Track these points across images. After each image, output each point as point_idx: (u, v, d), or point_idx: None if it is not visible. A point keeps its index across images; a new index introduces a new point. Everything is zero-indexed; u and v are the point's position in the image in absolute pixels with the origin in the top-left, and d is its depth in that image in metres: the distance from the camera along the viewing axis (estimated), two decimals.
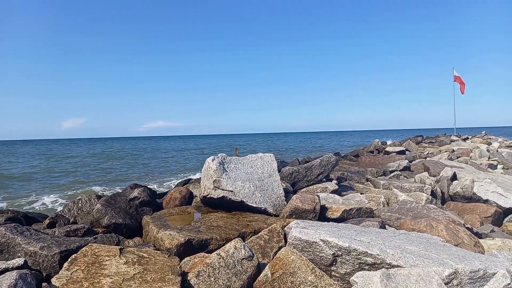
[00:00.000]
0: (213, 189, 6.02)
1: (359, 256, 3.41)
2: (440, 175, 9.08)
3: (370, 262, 3.37)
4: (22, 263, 3.27)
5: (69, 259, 3.26)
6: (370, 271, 3.21)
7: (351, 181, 9.48)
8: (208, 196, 6.05)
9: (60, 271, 3.09)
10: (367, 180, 9.63)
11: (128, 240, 5.20)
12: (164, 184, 18.62)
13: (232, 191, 5.83)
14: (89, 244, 3.57)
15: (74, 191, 16.69)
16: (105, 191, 15.70)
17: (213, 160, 6.30)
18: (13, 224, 3.99)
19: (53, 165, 30.98)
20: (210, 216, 5.70)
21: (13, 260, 3.25)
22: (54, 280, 2.94)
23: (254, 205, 5.81)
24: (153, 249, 4.23)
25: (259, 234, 4.47)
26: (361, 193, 7.56)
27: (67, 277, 3.00)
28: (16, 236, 3.77)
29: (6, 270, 3.19)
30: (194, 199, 6.94)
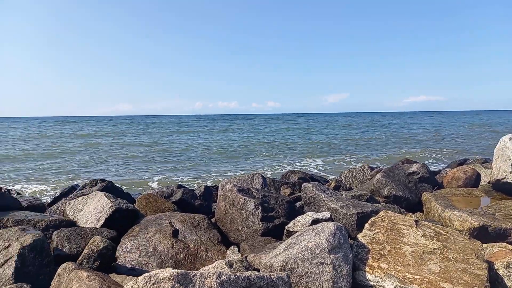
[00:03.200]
0: (510, 172, 5.17)
1: None
2: None
3: None
4: (329, 216, 3.83)
5: (369, 221, 3.56)
6: None
7: None
8: (504, 181, 5.25)
9: (363, 230, 3.43)
10: None
11: (410, 214, 5.21)
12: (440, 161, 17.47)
13: None
14: (384, 210, 3.78)
15: (338, 159, 18.18)
16: (376, 162, 16.29)
17: (510, 139, 5.38)
18: (316, 183, 4.72)
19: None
20: (506, 203, 4.94)
21: (322, 213, 3.86)
22: (359, 237, 3.29)
23: None
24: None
25: None
26: None
27: (370, 237, 3.29)
28: (320, 193, 4.46)
29: (317, 220, 3.82)
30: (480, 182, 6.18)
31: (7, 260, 3.23)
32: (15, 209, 4.86)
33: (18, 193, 6.85)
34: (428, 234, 3.34)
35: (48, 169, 15.76)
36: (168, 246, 4.15)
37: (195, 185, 11.75)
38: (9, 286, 2.61)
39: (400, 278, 2.73)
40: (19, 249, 3.26)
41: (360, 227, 4.05)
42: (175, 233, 4.39)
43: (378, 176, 6.01)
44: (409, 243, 3.19)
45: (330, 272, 2.69)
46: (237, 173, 14.35)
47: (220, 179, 12.48)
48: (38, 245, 3.36)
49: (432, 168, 9.98)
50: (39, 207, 5.57)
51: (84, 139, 32.73)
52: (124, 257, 4.04)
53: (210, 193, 6.73)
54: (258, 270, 3.13)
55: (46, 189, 11.03)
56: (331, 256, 2.76)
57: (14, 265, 3.15)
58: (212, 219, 5.05)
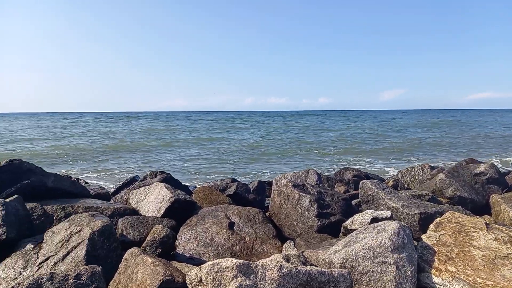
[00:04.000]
0: None
1: None
2: None
3: None
4: (389, 215, 3.68)
5: (434, 222, 3.38)
6: None
7: None
8: None
9: (428, 231, 3.26)
10: None
11: (477, 217, 4.87)
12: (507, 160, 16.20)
13: None
14: (451, 211, 3.57)
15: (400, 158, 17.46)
16: (438, 163, 15.42)
17: None
18: (376, 181, 4.56)
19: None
20: None
21: (382, 211, 3.73)
22: (424, 238, 3.14)
23: None
24: None
25: None
26: None
27: (436, 238, 3.13)
28: (380, 191, 4.30)
29: (376, 218, 3.70)
30: None
31: (79, 243, 3.47)
32: (84, 197, 5.22)
33: (86, 182, 7.36)
34: (501, 238, 3.10)
35: (113, 161, 16.80)
36: (225, 238, 4.24)
37: (248, 180, 11.90)
38: (82, 267, 2.81)
39: (470, 283, 2.56)
40: (90, 233, 3.49)
41: (422, 228, 3.85)
42: (231, 226, 4.47)
43: (441, 175, 5.68)
44: (480, 246, 2.99)
45: (393, 272, 2.59)
46: (290, 171, 14.33)
47: (272, 175, 12.53)
48: (106, 231, 3.58)
49: (502, 170, 9.25)
50: (105, 196, 5.94)
51: (155, 133, 34.40)
52: (183, 246, 4.19)
53: (263, 188, 6.77)
54: (315, 266, 3.10)
55: (111, 179, 11.79)
56: (394, 256, 2.65)
57: (86, 248, 3.38)
58: (266, 214, 5.08)
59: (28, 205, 4.21)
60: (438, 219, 3.41)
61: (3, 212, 3.64)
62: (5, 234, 3.54)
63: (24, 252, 3.48)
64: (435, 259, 2.86)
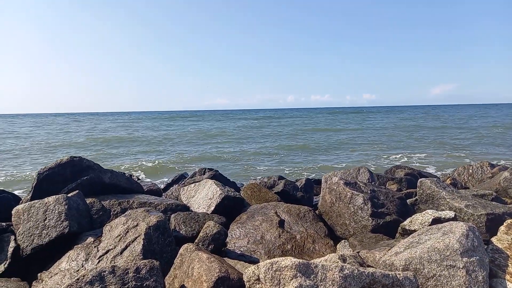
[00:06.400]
0: None
1: None
2: None
3: None
4: (453, 216, 3.45)
5: (505, 224, 3.12)
6: None
7: None
8: None
9: (498, 233, 3.01)
10: None
11: None
12: None
13: None
14: None
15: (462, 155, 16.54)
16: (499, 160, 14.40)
17: None
18: (435, 179, 4.30)
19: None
20: None
21: (444, 212, 3.50)
22: (495, 241, 2.90)
23: None
24: None
25: None
26: None
27: (508, 241, 2.88)
28: (441, 190, 4.05)
29: (438, 219, 3.48)
30: None
31: (136, 237, 3.57)
32: (138, 192, 5.40)
33: (138, 179, 7.63)
34: None
35: (165, 156, 17.39)
36: (275, 236, 4.19)
37: (295, 177, 11.79)
38: (141, 261, 2.88)
39: None
40: (146, 228, 3.58)
41: (489, 230, 3.57)
42: (281, 223, 4.41)
43: (506, 174, 5.26)
44: None
45: (463, 276, 2.41)
46: (337, 167, 14.03)
47: (320, 173, 12.33)
48: (161, 226, 3.66)
49: None
50: (157, 192, 6.11)
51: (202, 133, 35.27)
52: (234, 242, 4.19)
53: (311, 185, 6.64)
54: (372, 267, 2.96)
55: (162, 176, 12.22)
56: (463, 260, 2.46)
57: (142, 243, 3.46)
58: (316, 212, 4.96)
59: (87, 200, 4.40)
60: (509, 221, 3.14)
61: (66, 207, 3.83)
62: (68, 227, 3.71)
63: (85, 245, 3.63)
64: (509, 264, 2.63)
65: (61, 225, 3.71)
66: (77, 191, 4.24)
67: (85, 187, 4.81)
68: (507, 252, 2.75)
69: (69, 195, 4.05)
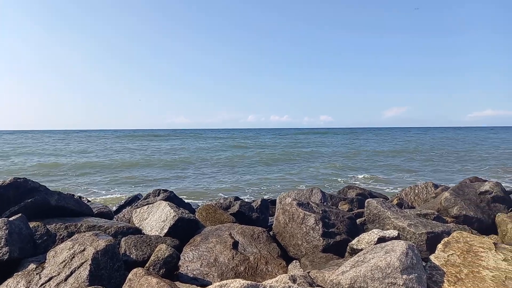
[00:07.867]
0: None
1: None
2: None
3: None
4: (396, 234, 3.64)
5: (443, 242, 3.34)
6: None
7: None
8: None
9: (436, 251, 3.22)
10: None
11: (484, 236, 4.81)
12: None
13: None
14: (459, 231, 3.53)
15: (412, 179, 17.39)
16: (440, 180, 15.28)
17: None
18: (381, 199, 4.53)
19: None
20: None
21: (389, 231, 3.68)
22: (432, 258, 3.09)
23: None
24: None
25: None
26: None
27: (445, 258, 3.08)
28: (386, 210, 4.27)
29: (383, 238, 3.65)
30: None
31: (82, 263, 3.43)
32: (87, 215, 5.19)
33: (88, 200, 7.33)
34: (510, 258, 3.05)
35: (115, 180, 16.77)
36: (229, 258, 4.18)
37: (250, 197, 11.83)
38: None
39: None
40: (93, 253, 3.45)
41: (429, 248, 3.80)
42: (235, 245, 4.42)
43: (446, 194, 5.64)
44: (489, 267, 2.94)
45: None
46: (294, 187, 14.26)
47: (276, 194, 12.46)
48: (110, 250, 3.54)
49: (507, 188, 9.18)
50: (108, 214, 5.90)
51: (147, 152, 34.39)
52: (186, 266, 4.13)
53: (267, 206, 6.72)
54: (321, 287, 3.04)
55: (115, 197, 11.75)
56: (403, 277, 2.61)
57: (89, 268, 3.33)
58: (270, 233, 5.02)
59: (31, 224, 4.17)
60: (446, 239, 3.37)
61: (7, 232, 3.62)
62: (8, 253, 3.50)
63: (26, 272, 3.43)
64: (445, 280, 2.81)
65: (1, 251, 3.49)
66: (20, 214, 4.02)
67: (29, 210, 4.56)
68: (443, 269, 2.94)
69: (10, 218, 3.83)
